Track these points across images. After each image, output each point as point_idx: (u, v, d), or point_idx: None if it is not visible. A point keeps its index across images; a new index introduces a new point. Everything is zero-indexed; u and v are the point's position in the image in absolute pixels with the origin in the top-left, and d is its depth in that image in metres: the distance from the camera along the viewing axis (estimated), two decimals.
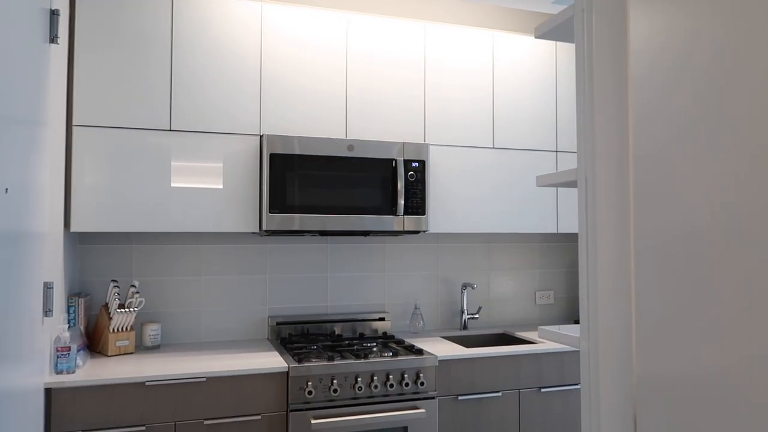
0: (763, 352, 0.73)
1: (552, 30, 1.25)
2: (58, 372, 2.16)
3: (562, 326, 1.30)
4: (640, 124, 0.84)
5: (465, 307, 3.20)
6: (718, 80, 0.77)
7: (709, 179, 0.79)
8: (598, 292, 0.94)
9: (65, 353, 2.16)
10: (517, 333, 3.10)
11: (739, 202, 0.75)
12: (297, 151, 2.59)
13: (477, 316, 3.21)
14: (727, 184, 0.76)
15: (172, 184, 2.50)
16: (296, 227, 2.57)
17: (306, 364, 2.34)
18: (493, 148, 3.01)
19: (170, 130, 2.52)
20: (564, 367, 2.72)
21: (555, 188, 3.14)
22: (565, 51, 3.17)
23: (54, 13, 1.99)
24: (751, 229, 0.74)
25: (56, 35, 1.99)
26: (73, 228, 2.37)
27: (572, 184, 1.23)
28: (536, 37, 1.30)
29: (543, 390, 2.68)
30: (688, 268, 0.82)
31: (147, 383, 2.18)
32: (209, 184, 2.55)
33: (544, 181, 1.28)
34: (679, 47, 0.83)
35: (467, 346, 3.08)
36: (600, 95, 0.94)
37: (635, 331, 0.86)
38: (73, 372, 2.18)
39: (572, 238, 3.51)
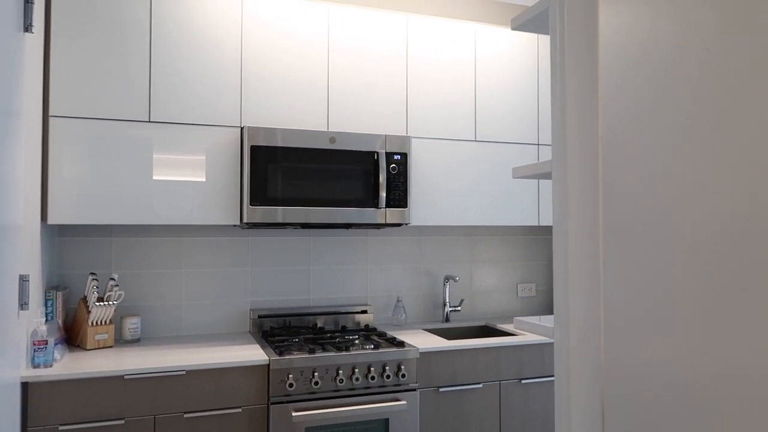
0: (727, 340, 0.74)
1: (528, 21, 1.25)
2: (35, 366, 2.14)
3: (541, 317, 1.31)
4: (607, 112, 0.85)
5: (447, 300, 3.21)
6: (676, 68, 0.78)
7: (673, 167, 0.80)
8: (569, 283, 0.95)
9: (42, 347, 2.14)
10: (498, 325, 3.12)
11: (702, 189, 0.76)
12: (278, 144, 2.57)
13: (459, 308, 3.22)
14: (691, 171, 0.77)
15: (154, 177, 2.48)
16: (277, 220, 2.56)
17: (287, 357, 2.34)
18: (475, 140, 3.02)
19: (149, 121, 2.49)
20: (545, 358, 2.74)
21: (536, 181, 3.15)
22: (547, 44, 3.18)
23: (28, 1, 1.95)
24: (715, 215, 0.74)
25: (30, 24, 1.96)
26: (50, 220, 2.34)
27: (548, 175, 1.24)
28: (512, 29, 1.31)
29: (524, 381, 2.71)
30: (653, 257, 0.83)
31: (126, 377, 2.16)
32: (191, 177, 2.53)
33: (520, 173, 1.29)
34: (641, 37, 0.84)
35: (449, 338, 3.10)
36: (571, 85, 0.94)
37: (603, 321, 0.87)
38: (51, 366, 2.16)
39: None
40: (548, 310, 3.53)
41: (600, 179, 0.88)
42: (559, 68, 1.02)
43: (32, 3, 1.96)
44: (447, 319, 3.22)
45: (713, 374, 0.74)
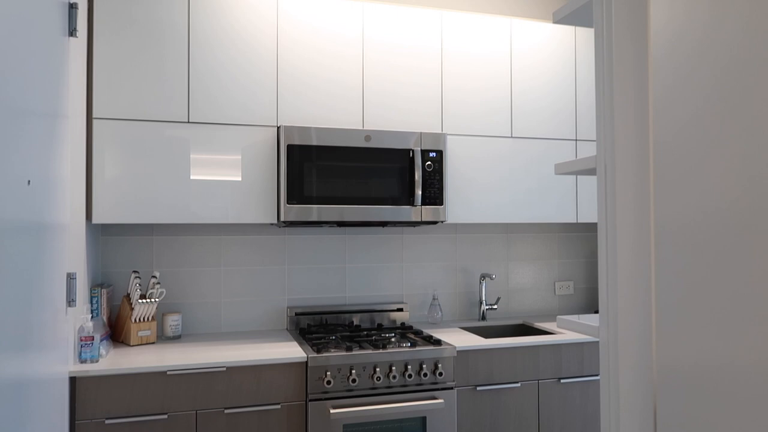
0: None
1: (571, 14, 1.23)
2: (82, 361, 2.20)
3: (581, 315, 1.28)
4: (660, 110, 0.82)
5: (483, 298, 3.18)
6: (738, 66, 0.75)
7: (729, 165, 0.77)
8: (617, 282, 0.92)
9: (89, 343, 2.20)
10: (536, 323, 3.08)
11: (758, 188, 0.73)
12: (314, 142, 2.59)
13: (495, 306, 3.19)
14: (746, 169, 0.74)
15: (192, 177, 2.52)
16: (314, 218, 2.58)
17: (324, 354, 2.35)
18: (511, 137, 2.98)
19: (188, 122, 2.53)
20: (584, 357, 2.70)
21: (574, 177, 3.10)
22: (585, 37, 3.12)
23: (72, 7, 2.01)
24: None
25: (75, 29, 2.01)
26: (95, 220, 2.40)
27: (591, 171, 1.21)
28: (554, 22, 1.28)
29: (562, 381, 2.66)
30: (709, 257, 0.80)
31: (168, 372, 2.21)
32: (228, 176, 2.56)
33: (563, 169, 1.27)
34: (699, 32, 0.81)
35: (486, 336, 3.07)
36: (619, 80, 0.92)
37: (655, 320, 0.85)
38: (97, 361, 2.22)
39: (592, 227, 3.47)
40: (587, 308, 3.47)
41: (652, 177, 0.85)
42: (605, 64, 1.00)
43: (76, 8, 2.01)
44: (483, 318, 3.19)
45: (765, 371, 0.71)
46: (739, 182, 0.76)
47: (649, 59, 0.84)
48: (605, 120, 1.02)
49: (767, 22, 0.71)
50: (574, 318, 1.26)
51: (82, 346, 2.20)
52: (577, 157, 3.15)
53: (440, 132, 2.82)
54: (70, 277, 2.05)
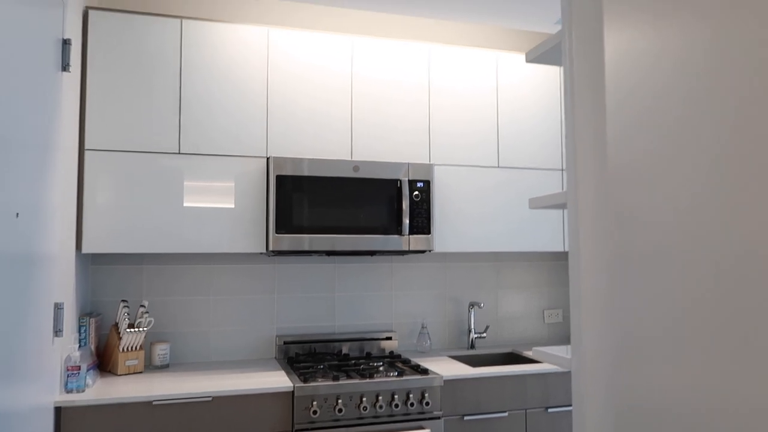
0: (739, 371, 0.73)
1: (541, 55, 1.28)
2: (68, 391, 2.20)
3: (555, 347, 1.31)
4: (616, 145, 0.86)
5: (472, 326, 3.20)
6: (677, 96, 0.79)
7: (682, 194, 0.81)
8: (581, 313, 0.95)
9: (75, 372, 2.20)
10: (525, 352, 3.08)
11: (711, 215, 0.76)
12: (303, 173, 2.63)
13: (485, 335, 3.20)
14: (700, 197, 0.78)
15: (185, 204, 2.56)
16: (302, 248, 2.61)
17: (311, 384, 2.35)
18: (499, 167, 3.03)
19: (179, 153, 2.58)
20: (571, 386, 2.70)
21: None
22: None
23: (66, 43, 2.06)
24: (725, 243, 0.75)
25: (68, 63, 2.06)
26: (85, 249, 2.43)
27: (563, 206, 1.25)
28: (527, 62, 1.33)
29: (550, 410, 2.66)
30: (664, 287, 0.83)
31: (154, 402, 2.21)
32: (221, 203, 2.60)
33: (536, 204, 1.30)
34: (642, 66, 0.86)
35: (474, 365, 3.08)
36: (580, 116, 0.96)
37: (616, 351, 0.87)
38: (83, 391, 2.22)
39: None
40: None
41: (610, 208, 0.89)
42: (569, 100, 1.04)
43: (70, 44, 2.07)
44: (472, 346, 3.20)
45: (724, 406, 0.74)
46: (690, 209, 0.80)
47: (605, 94, 0.89)
48: (570, 154, 1.06)
49: (700, 54, 0.76)
50: (547, 349, 1.28)
51: (68, 376, 2.20)
52: (564, 187, 3.19)
53: (428, 162, 2.87)
54: (58, 307, 2.06)
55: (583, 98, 0.96)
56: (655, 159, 0.83)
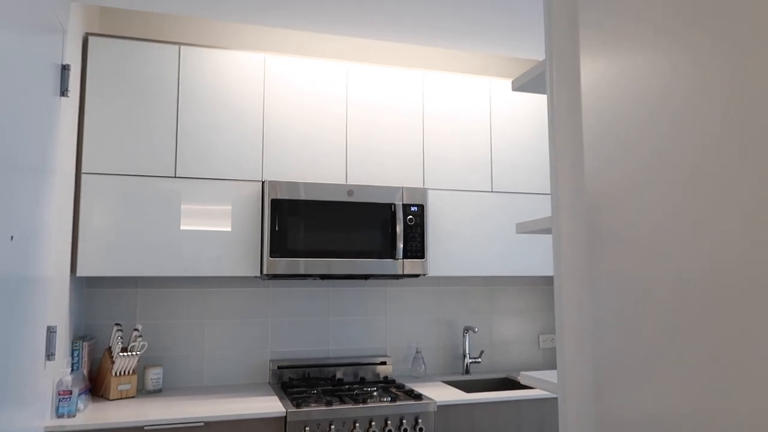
0: (721, 396, 0.74)
1: (527, 83, 1.31)
2: (59, 416, 2.18)
3: (542, 371, 1.31)
4: (592, 172, 0.88)
5: (467, 351, 3.19)
6: (651, 129, 0.81)
7: (656, 224, 0.82)
8: (564, 338, 0.96)
9: (66, 397, 2.19)
10: (519, 377, 3.07)
11: (685, 242, 0.78)
12: (298, 197, 2.65)
13: (479, 360, 3.19)
14: (673, 223, 0.79)
15: (182, 227, 2.57)
16: (297, 271, 2.61)
17: (304, 409, 2.34)
18: (492, 191, 3.06)
19: (175, 176, 2.60)
20: None
21: None
22: None
23: (65, 68, 2.10)
24: (699, 271, 0.76)
25: (67, 89, 2.10)
26: (80, 272, 2.43)
27: (549, 231, 1.27)
28: (513, 90, 1.36)
29: None
30: (639, 313, 0.84)
31: (145, 428, 2.19)
32: (218, 227, 2.61)
33: (522, 229, 1.32)
34: (618, 99, 0.88)
35: (469, 390, 3.06)
36: (561, 144, 0.98)
37: (595, 375, 0.88)
38: (74, 416, 2.20)
39: None
40: None
41: (587, 235, 0.90)
42: (551, 128, 1.07)
43: (69, 70, 2.10)
44: (467, 371, 3.18)
45: (704, 430, 0.75)
46: (663, 243, 0.81)
47: (582, 122, 0.91)
48: (553, 181, 1.08)
49: (664, 82, 0.78)
50: (535, 374, 1.29)
51: (59, 401, 2.19)
52: None
53: (422, 186, 2.90)
54: (50, 331, 2.06)
55: (563, 127, 0.98)
56: (630, 187, 0.85)
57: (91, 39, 2.56)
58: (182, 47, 2.68)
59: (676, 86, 0.78)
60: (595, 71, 0.87)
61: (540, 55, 3.48)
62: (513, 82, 1.36)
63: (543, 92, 1.34)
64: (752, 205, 0.69)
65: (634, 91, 0.86)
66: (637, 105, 0.86)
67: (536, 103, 3.18)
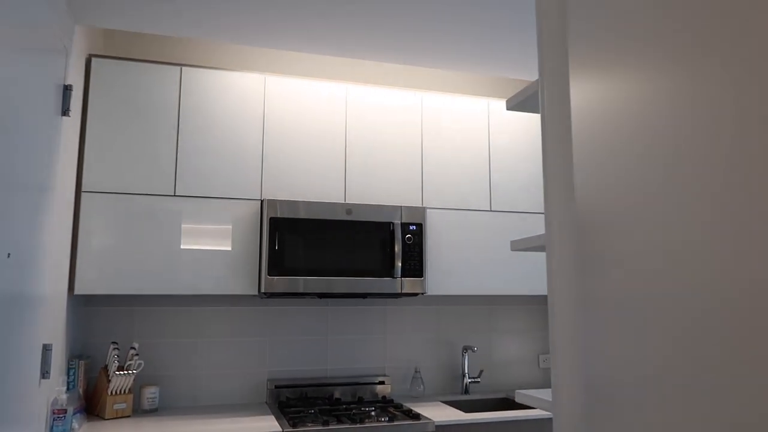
0: (713, 418, 0.74)
1: (520, 103, 1.32)
2: None
3: (538, 390, 1.31)
4: (582, 193, 0.89)
5: (466, 371, 3.17)
6: (640, 149, 0.83)
7: (646, 244, 0.83)
8: (557, 355, 0.96)
9: (61, 416, 2.18)
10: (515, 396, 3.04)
11: (676, 262, 0.78)
12: (296, 215, 2.66)
13: (479, 379, 3.17)
14: (664, 243, 0.80)
15: (182, 246, 2.58)
16: (295, 290, 2.61)
17: (300, 429, 2.32)
18: (491, 210, 3.07)
19: (174, 195, 2.62)
20: None
21: None
22: None
23: (67, 89, 2.13)
24: (691, 291, 0.77)
25: (68, 108, 2.12)
26: (77, 291, 2.43)
27: (543, 248, 1.27)
28: (507, 109, 1.38)
29: None
30: (631, 336, 0.85)
31: None
32: (216, 246, 2.62)
33: (517, 246, 1.32)
34: (607, 119, 0.89)
35: (468, 410, 3.03)
36: (553, 163, 0.99)
37: (588, 397, 0.88)
38: None
39: None
40: None
41: (578, 254, 0.91)
42: (544, 147, 1.08)
43: (71, 90, 2.13)
44: (466, 391, 3.16)
45: None
46: (653, 263, 0.82)
47: (572, 141, 0.92)
48: (547, 199, 1.09)
49: (669, 112, 0.79)
50: (531, 392, 1.28)
51: (54, 420, 2.17)
52: None
53: (420, 206, 2.91)
54: (46, 349, 2.06)
55: (555, 145, 1.00)
56: (620, 205, 0.86)
57: (94, 60, 2.59)
58: (183, 68, 2.71)
59: (665, 106, 0.79)
60: (585, 91, 0.89)
61: (536, 76, 3.51)
62: (507, 102, 1.38)
63: (537, 111, 1.36)
64: (745, 221, 0.70)
65: (624, 110, 0.87)
66: (626, 124, 0.87)
67: (534, 122, 3.21)
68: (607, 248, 0.87)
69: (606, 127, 0.87)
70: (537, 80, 1.23)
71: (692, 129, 0.75)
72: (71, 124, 2.34)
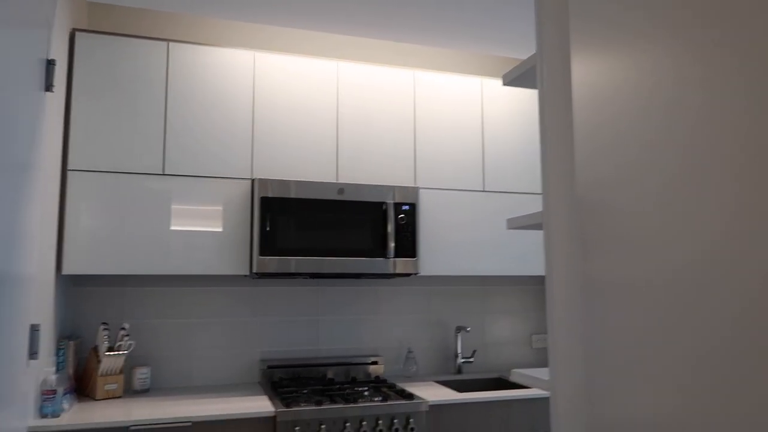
0: (706, 399, 0.72)
1: (517, 78, 1.29)
2: (43, 416, 2.15)
3: (534, 369, 1.29)
4: (583, 169, 0.87)
5: (459, 351, 3.17)
6: (642, 126, 0.80)
7: (644, 223, 0.81)
8: (556, 335, 0.94)
9: (51, 396, 2.15)
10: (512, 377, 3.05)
11: (676, 241, 0.76)
12: (287, 195, 2.62)
13: (472, 359, 3.17)
14: (661, 229, 0.78)
15: (171, 227, 2.54)
16: (286, 270, 2.59)
17: (294, 409, 2.31)
18: (484, 191, 3.04)
19: (163, 174, 2.57)
20: None
21: None
22: None
23: (50, 63, 2.06)
24: (691, 272, 0.75)
25: (52, 84, 2.06)
26: (65, 270, 2.39)
27: (540, 226, 1.25)
28: (504, 84, 1.34)
29: None
30: (628, 315, 0.83)
31: (131, 427, 2.16)
32: (207, 227, 2.58)
33: (513, 224, 1.30)
34: (610, 97, 0.86)
35: (461, 390, 3.04)
36: (552, 141, 0.96)
37: (587, 375, 0.86)
38: (59, 416, 2.17)
39: None
40: None
41: (577, 233, 0.88)
42: (542, 123, 1.05)
43: (54, 65, 2.07)
44: (459, 371, 3.16)
45: (693, 429, 0.73)
46: (651, 243, 0.79)
47: (574, 119, 0.89)
48: (545, 177, 1.06)
49: (671, 88, 0.76)
50: (527, 371, 1.27)
51: (43, 400, 2.15)
52: None
53: (413, 185, 2.88)
54: (34, 329, 2.02)
55: (554, 122, 0.96)
56: (621, 183, 0.83)
57: (78, 35, 2.52)
58: (171, 44, 2.64)
59: (668, 83, 0.76)
60: (588, 66, 0.86)
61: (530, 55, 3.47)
62: (504, 77, 1.34)
63: (534, 87, 1.33)
64: (744, 202, 0.67)
65: (627, 86, 0.84)
66: (629, 101, 0.84)
67: (528, 101, 3.17)
68: (607, 226, 0.84)
69: (610, 103, 0.84)
70: (534, 54, 1.19)
71: (700, 106, 0.72)
72: (56, 100, 2.28)
